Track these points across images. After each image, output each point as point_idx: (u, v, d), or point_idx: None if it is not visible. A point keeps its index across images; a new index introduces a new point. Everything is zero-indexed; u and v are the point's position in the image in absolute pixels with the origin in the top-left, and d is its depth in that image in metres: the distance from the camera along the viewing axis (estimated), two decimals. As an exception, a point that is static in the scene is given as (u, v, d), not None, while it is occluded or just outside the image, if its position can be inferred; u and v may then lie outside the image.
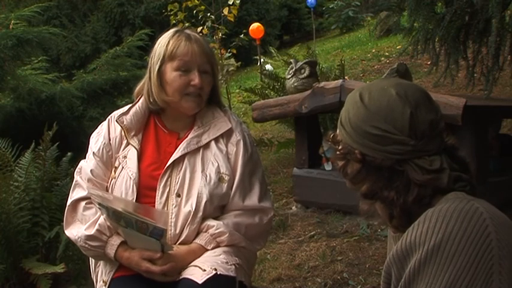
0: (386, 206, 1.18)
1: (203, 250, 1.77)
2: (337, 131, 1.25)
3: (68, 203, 1.86)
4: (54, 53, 12.12)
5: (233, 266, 1.72)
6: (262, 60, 9.07)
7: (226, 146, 1.86)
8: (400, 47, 7.69)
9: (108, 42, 12.97)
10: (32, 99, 4.52)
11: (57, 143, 3.22)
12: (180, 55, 1.79)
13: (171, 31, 1.86)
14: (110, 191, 1.82)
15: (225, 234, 1.77)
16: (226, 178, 1.81)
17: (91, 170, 1.83)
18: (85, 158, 1.90)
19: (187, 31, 1.87)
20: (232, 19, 6.04)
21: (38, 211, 3.00)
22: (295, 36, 18.09)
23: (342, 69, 5.03)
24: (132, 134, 1.86)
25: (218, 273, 1.66)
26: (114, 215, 1.67)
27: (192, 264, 1.73)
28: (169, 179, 1.79)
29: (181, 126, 1.90)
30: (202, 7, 5.98)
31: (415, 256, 1.07)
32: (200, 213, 1.77)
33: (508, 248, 1.05)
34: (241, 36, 6.58)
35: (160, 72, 1.82)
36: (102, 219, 1.76)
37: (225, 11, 6.04)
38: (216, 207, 1.81)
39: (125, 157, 1.83)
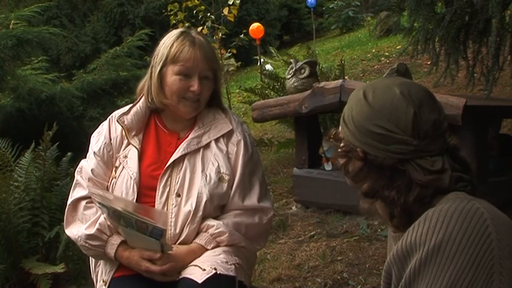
0: (387, 205, 1.18)
1: (203, 250, 1.77)
2: (340, 128, 1.25)
3: (69, 202, 1.86)
4: (54, 53, 12.11)
5: (233, 266, 1.72)
6: (262, 60, 9.07)
7: (227, 146, 1.86)
8: (400, 47, 7.69)
9: (108, 42, 12.97)
10: (32, 99, 4.52)
11: (57, 143, 3.22)
12: (182, 60, 1.79)
13: (177, 32, 1.84)
14: (110, 190, 1.82)
15: (225, 234, 1.77)
16: (226, 178, 1.81)
17: (92, 170, 1.83)
18: (85, 157, 1.91)
19: (193, 34, 1.85)
20: (232, 19, 6.04)
21: (38, 211, 3.00)
22: (295, 36, 18.09)
23: (342, 69, 5.03)
24: (133, 133, 1.86)
25: (218, 272, 1.66)
26: (114, 214, 1.67)
27: (192, 263, 1.73)
28: (169, 179, 1.80)
29: (182, 126, 1.90)
30: (202, 7, 5.98)
31: (415, 256, 1.07)
32: (200, 213, 1.77)
33: (508, 248, 1.05)
34: (241, 36, 6.58)
35: (161, 74, 1.82)
36: (102, 218, 1.76)
37: (225, 11, 6.04)
38: (216, 207, 1.82)
39: (126, 157, 1.83)
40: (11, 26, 4.25)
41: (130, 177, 1.79)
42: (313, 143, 3.83)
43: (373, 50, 9.41)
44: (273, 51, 6.71)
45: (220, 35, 6.09)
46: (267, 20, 14.94)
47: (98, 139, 1.89)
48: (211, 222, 1.78)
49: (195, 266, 1.70)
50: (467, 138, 2.99)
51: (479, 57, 3.80)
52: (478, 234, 1.04)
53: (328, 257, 3.09)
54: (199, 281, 1.63)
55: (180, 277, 1.71)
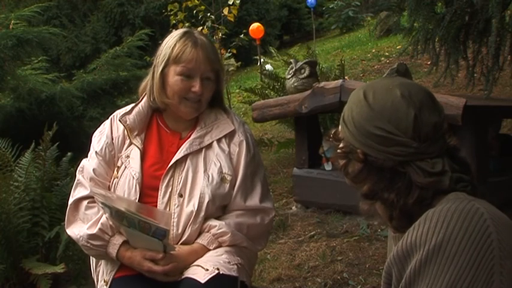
0: (387, 207, 1.18)
1: (205, 250, 1.77)
2: (339, 128, 1.25)
3: (70, 201, 1.86)
4: (54, 53, 12.11)
5: (235, 266, 1.72)
6: (262, 60, 9.07)
7: (229, 146, 1.87)
8: (400, 47, 7.69)
9: (108, 42, 12.96)
10: (32, 99, 4.52)
11: (57, 143, 3.22)
12: (184, 61, 1.79)
13: (180, 32, 1.84)
14: (112, 190, 1.82)
15: (227, 234, 1.77)
16: (229, 178, 1.82)
17: (93, 169, 1.83)
18: (87, 157, 1.91)
19: (196, 34, 1.84)
20: (232, 19, 6.04)
21: (38, 211, 3.00)
22: (295, 36, 18.08)
23: (342, 69, 5.03)
24: (135, 133, 1.86)
25: (221, 272, 1.66)
26: (116, 214, 1.67)
27: (194, 263, 1.73)
28: (171, 179, 1.80)
29: (184, 126, 1.90)
30: (202, 7, 5.98)
31: (415, 256, 1.07)
32: (202, 213, 1.77)
33: (509, 249, 1.05)
34: (241, 36, 6.59)
35: (163, 74, 1.82)
36: (104, 218, 1.76)
37: (225, 11, 6.04)
38: (218, 207, 1.82)
39: (128, 157, 1.83)
40: (11, 26, 4.25)
41: (133, 177, 1.79)
42: (313, 143, 3.83)
43: (373, 50, 9.41)
44: (273, 51, 6.71)
45: (220, 35, 6.09)
46: (267, 20, 14.94)
47: (99, 138, 1.89)
48: (213, 222, 1.78)
49: (198, 266, 1.71)
50: (467, 138, 2.99)
51: (479, 57, 3.80)
52: (479, 235, 1.04)
53: (328, 257, 3.09)
54: (202, 281, 1.64)
55: (183, 277, 1.71)
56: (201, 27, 5.82)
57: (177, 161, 1.81)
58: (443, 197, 1.14)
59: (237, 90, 7.96)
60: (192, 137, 1.85)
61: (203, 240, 1.77)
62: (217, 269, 1.67)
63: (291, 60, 4.24)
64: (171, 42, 1.82)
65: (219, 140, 1.86)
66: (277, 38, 16.90)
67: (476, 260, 1.03)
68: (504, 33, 3.55)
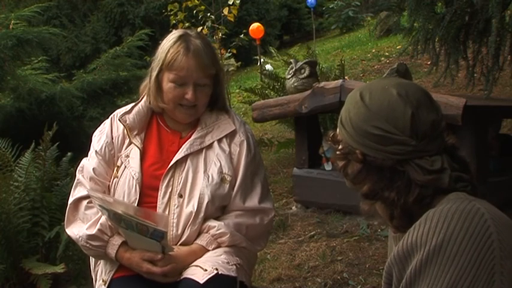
0: (387, 206, 1.18)
1: (204, 251, 1.77)
2: (337, 130, 1.25)
3: (70, 201, 1.86)
4: (54, 53, 12.10)
5: (234, 266, 1.72)
6: (262, 60, 9.07)
7: (230, 146, 1.86)
8: (400, 47, 7.68)
9: (108, 42, 12.96)
10: (32, 99, 4.52)
11: (57, 143, 3.22)
12: (175, 69, 1.77)
13: (175, 36, 1.81)
14: (112, 190, 1.82)
15: (226, 235, 1.77)
16: (228, 179, 1.81)
17: (93, 169, 1.83)
18: (87, 156, 1.90)
19: (192, 38, 1.81)
20: (232, 19, 6.05)
21: (38, 211, 3.00)
22: (295, 36, 18.08)
23: (342, 69, 5.03)
24: (135, 133, 1.86)
25: (219, 273, 1.66)
26: (114, 217, 1.67)
27: (193, 264, 1.73)
28: (171, 179, 1.79)
29: (184, 126, 1.90)
30: (202, 7, 5.98)
31: (416, 257, 1.07)
32: (202, 214, 1.77)
33: (509, 249, 1.05)
34: (241, 36, 6.59)
35: (158, 79, 1.82)
36: (103, 218, 1.76)
37: (225, 11, 6.04)
38: (218, 207, 1.82)
39: (128, 156, 1.83)
40: (11, 26, 4.25)
41: (133, 177, 1.79)
42: (313, 143, 3.83)
43: (373, 50, 9.41)
44: (273, 51, 6.71)
45: (220, 35, 6.09)
46: (267, 20, 14.94)
47: (99, 138, 1.89)
48: (212, 223, 1.78)
49: (197, 266, 1.70)
50: (467, 138, 2.99)
51: (479, 57, 3.80)
52: (479, 235, 1.04)
53: (328, 257, 3.09)
54: (201, 281, 1.63)
55: (182, 278, 1.71)
56: (201, 27, 5.83)
57: (177, 161, 1.81)
58: (444, 196, 1.14)
59: (237, 90, 7.96)
60: (192, 137, 1.85)
61: (202, 240, 1.77)
62: (216, 269, 1.67)
63: (291, 60, 4.24)
64: (165, 46, 1.81)
65: (219, 140, 1.86)
66: (277, 38, 16.90)
67: (477, 260, 1.03)
68: (504, 33, 3.55)
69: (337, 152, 1.23)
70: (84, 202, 1.82)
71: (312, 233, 3.44)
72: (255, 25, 8.85)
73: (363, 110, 1.18)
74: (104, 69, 5.21)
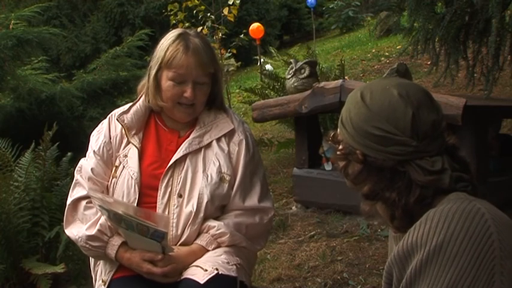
0: (388, 206, 1.18)
1: (204, 251, 1.77)
2: (338, 130, 1.25)
3: (68, 201, 1.85)
4: (54, 53, 12.10)
5: (234, 266, 1.72)
6: (262, 60, 9.06)
7: (228, 146, 1.86)
8: (400, 47, 7.68)
9: (108, 42, 12.96)
10: (32, 99, 4.52)
11: (57, 143, 3.22)
12: (175, 67, 1.78)
13: (174, 35, 1.82)
14: (111, 190, 1.81)
15: (226, 235, 1.77)
16: (228, 178, 1.81)
17: (91, 169, 1.83)
18: (85, 156, 1.90)
19: (191, 37, 1.82)
20: (232, 19, 6.05)
21: (38, 211, 3.00)
22: (295, 36, 18.08)
23: (342, 69, 5.03)
24: (133, 132, 1.86)
25: (220, 273, 1.66)
26: (114, 217, 1.66)
27: (193, 264, 1.73)
28: (171, 179, 1.79)
29: (182, 125, 1.90)
30: (202, 7, 5.98)
31: (416, 256, 1.07)
32: (201, 214, 1.77)
33: (509, 249, 1.05)
34: (241, 36, 6.59)
35: (157, 77, 1.82)
36: (103, 219, 1.76)
37: (225, 11, 6.04)
38: (217, 207, 1.81)
39: (126, 156, 1.83)
40: (11, 26, 4.25)
41: (131, 177, 1.79)
42: (313, 143, 3.83)
43: (373, 50, 9.41)
44: (273, 51, 6.71)
45: (220, 35, 6.09)
46: (267, 20, 14.93)
47: (97, 138, 1.89)
48: (212, 223, 1.78)
49: (197, 266, 1.70)
50: (467, 138, 2.99)
51: (479, 57, 3.80)
52: (480, 235, 1.04)
53: (328, 257, 3.09)
54: (201, 282, 1.63)
55: (182, 278, 1.70)
56: (201, 27, 5.83)
57: (176, 160, 1.80)
58: (444, 197, 1.14)
59: (237, 90, 7.96)
60: (191, 136, 1.85)
61: (202, 241, 1.77)
62: (216, 269, 1.67)
63: (291, 60, 4.24)
64: (164, 44, 1.81)
65: (218, 139, 1.86)
66: (277, 38, 16.89)
67: (477, 260, 1.03)
68: (504, 33, 3.55)
69: (338, 152, 1.23)
70: (83, 202, 1.82)
71: (312, 233, 3.44)
72: (255, 25, 8.85)
73: (364, 110, 1.18)
74: (104, 69, 5.21)
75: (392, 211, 1.17)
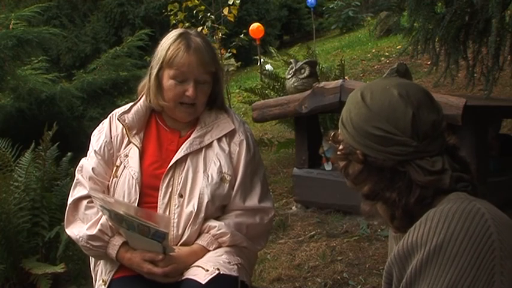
0: (388, 207, 1.18)
1: (205, 251, 1.77)
2: (338, 130, 1.25)
3: (69, 201, 1.85)
4: (54, 53, 12.10)
5: (235, 266, 1.72)
6: (262, 60, 9.07)
7: (229, 146, 1.86)
8: (400, 47, 7.68)
9: (108, 42, 12.96)
10: (32, 99, 4.52)
11: (57, 143, 3.22)
12: (177, 65, 1.78)
13: (175, 34, 1.82)
14: (112, 190, 1.81)
15: (226, 235, 1.77)
16: (228, 178, 1.81)
17: (92, 168, 1.83)
18: (86, 156, 1.90)
19: (192, 36, 1.82)
20: (232, 19, 6.05)
21: (38, 211, 3.00)
22: (295, 36, 18.08)
23: (342, 69, 5.03)
24: (134, 132, 1.86)
25: (221, 273, 1.66)
26: (116, 217, 1.66)
27: (194, 264, 1.73)
28: (171, 179, 1.79)
29: (183, 125, 1.90)
30: (202, 7, 5.98)
31: (416, 256, 1.07)
32: (202, 214, 1.77)
33: (509, 249, 1.05)
34: (241, 36, 6.59)
35: (159, 77, 1.82)
36: (104, 219, 1.76)
37: (225, 11, 6.04)
38: (218, 207, 1.81)
39: (127, 156, 1.83)
40: (11, 26, 4.25)
41: (132, 176, 1.79)
42: (313, 143, 3.83)
43: (373, 50, 9.41)
44: (273, 51, 6.71)
45: (220, 35, 6.09)
46: (267, 20, 14.93)
47: (98, 137, 1.89)
48: (212, 223, 1.78)
49: (198, 266, 1.70)
50: (467, 138, 2.99)
51: (479, 57, 3.80)
52: (480, 235, 1.04)
53: (328, 257, 3.09)
54: (203, 282, 1.63)
55: (183, 278, 1.70)
56: (201, 27, 5.82)
57: (177, 160, 1.80)
58: (444, 197, 1.14)
59: (237, 90, 7.96)
60: (192, 136, 1.85)
61: (203, 241, 1.77)
62: (218, 269, 1.67)
63: (291, 60, 4.24)
64: (166, 44, 1.81)
65: (219, 139, 1.86)
66: (277, 38, 16.89)
67: (477, 260, 1.03)
68: (504, 33, 3.55)
69: (338, 152, 1.23)
70: (84, 202, 1.82)
71: (312, 233, 3.44)
72: (255, 25, 8.85)
73: (364, 110, 1.18)
74: (104, 69, 5.21)
75: (392, 211, 1.17)
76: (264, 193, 1.89)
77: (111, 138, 1.87)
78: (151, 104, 1.87)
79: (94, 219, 1.78)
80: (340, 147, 1.23)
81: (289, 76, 3.94)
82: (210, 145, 1.85)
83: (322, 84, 3.60)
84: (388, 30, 10.28)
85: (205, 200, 1.77)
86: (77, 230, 1.80)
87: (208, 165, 1.82)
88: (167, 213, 1.77)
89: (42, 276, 2.71)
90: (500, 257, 1.04)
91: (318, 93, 3.54)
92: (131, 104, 1.91)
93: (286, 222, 3.64)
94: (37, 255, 2.96)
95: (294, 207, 3.89)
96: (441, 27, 3.54)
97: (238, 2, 6.03)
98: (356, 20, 14.77)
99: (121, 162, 1.83)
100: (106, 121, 1.92)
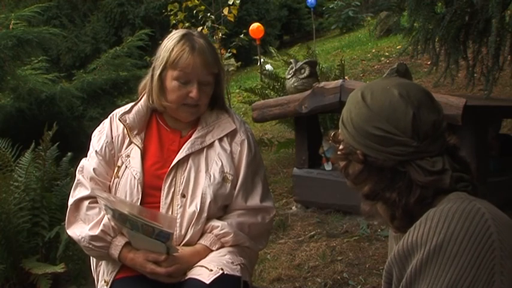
0: (388, 207, 1.18)
1: (208, 251, 1.77)
2: (339, 130, 1.25)
3: (70, 202, 1.85)
4: (54, 53, 12.09)
5: (238, 266, 1.72)
6: (262, 60, 9.07)
7: (230, 146, 1.86)
8: (400, 47, 7.68)
9: (108, 42, 12.96)
10: (32, 99, 4.52)
11: (57, 143, 3.22)
12: (181, 66, 1.78)
13: (179, 35, 1.82)
14: (113, 190, 1.81)
15: (229, 235, 1.77)
16: (230, 178, 1.81)
17: (93, 169, 1.83)
18: (86, 156, 1.90)
19: (195, 37, 1.82)
20: (232, 19, 6.04)
21: (38, 211, 3.00)
22: (295, 36, 18.08)
23: (342, 69, 5.03)
24: (135, 132, 1.86)
25: (225, 273, 1.66)
26: (120, 217, 1.66)
27: (197, 264, 1.73)
28: (174, 179, 1.79)
29: (184, 125, 1.90)
30: (202, 7, 5.98)
31: (416, 256, 1.07)
32: (205, 214, 1.77)
33: (509, 248, 1.05)
34: (241, 36, 6.59)
35: (162, 77, 1.82)
36: (106, 219, 1.76)
37: (225, 11, 6.04)
38: (220, 207, 1.82)
39: (128, 156, 1.83)
40: (11, 26, 4.25)
41: (134, 177, 1.79)
42: (313, 143, 3.84)
43: (373, 50, 9.41)
44: (273, 51, 6.71)
45: (220, 35, 6.09)
46: (267, 20, 14.93)
47: (99, 138, 1.88)
48: (215, 223, 1.78)
49: (202, 266, 1.71)
50: (467, 138, 2.99)
51: (479, 57, 3.80)
52: (480, 235, 1.04)
53: (328, 257, 3.09)
54: (207, 282, 1.63)
55: (187, 278, 1.70)
56: (201, 27, 5.82)
57: (179, 161, 1.80)
58: (444, 196, 1.14)
59: (237, 90, 7.95)
60: (193, 136, 1.85)
61: (206, 241, 1.77)
62: (222, 269, 1.67)
63: (291, 60, 4.24)
64: (169, 45, 1.81)
65: (220, 139, 1.86)
66: (277, 38, 16.89)
67: (477, 260, 1.03)
68: (504, 33, 3.55)
69: (338, 152, 1.23)
70: (86, 202, 1.82)
71: (312, 233, 3.44)
72: (255, 25, 8.85)
73: (364, 110, 1.18)
74: (104, 69, 5.21)
75: (392, 211, 1.17)
76: (265, 193, 1.89)
77: (112, 138, 1.86)
78: (153, 105, 1.87)
79: (96, 219, 1.78)
80: (341, 147, 1.23)
81: (289, 76, 3.94)
82: (211, 145, 1.85)
83: (322, 84, 3.60)
84: (388, 30, 10.29)
85: (208, 199, 1.77)
86: (79, 230, 1.80)
87: (210, 165, 1.82)
88: (170, 213, 1.77)
89: (42, 276, 2.71)
90: (500, 257, 1.04)
91: (318, 93, 3.54)
92: (132, 104, 1.91)
93: (286, 222, 3.64)
94: (37, 255, 2.96)
95: (294, 207, 3.89)
96: (441, 27, 3.54)
97: (238, 2, 6.03)
98: (356, 20, 14.77)
99: (122, 163, 1.83)
100: (107, 121, 1.91)
